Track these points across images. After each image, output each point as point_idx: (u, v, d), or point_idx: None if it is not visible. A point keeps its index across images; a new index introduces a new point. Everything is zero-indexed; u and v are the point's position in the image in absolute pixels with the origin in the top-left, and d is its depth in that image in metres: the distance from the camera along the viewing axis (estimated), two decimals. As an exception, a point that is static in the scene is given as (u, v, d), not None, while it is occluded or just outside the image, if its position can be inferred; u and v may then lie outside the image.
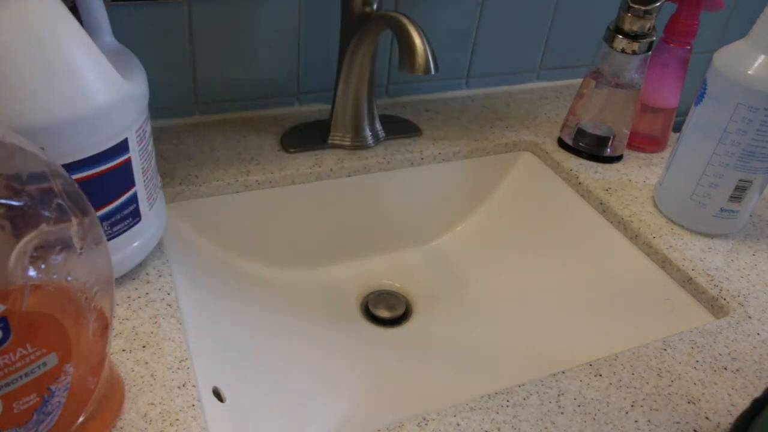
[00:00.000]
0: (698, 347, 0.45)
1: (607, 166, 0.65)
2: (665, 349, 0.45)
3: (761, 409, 0.33)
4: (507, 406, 0.39)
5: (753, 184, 0.53)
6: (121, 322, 0.42)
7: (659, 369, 0.43)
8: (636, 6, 0.58)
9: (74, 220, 0.28)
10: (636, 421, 0.39)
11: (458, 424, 0.37)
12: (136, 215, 0.43)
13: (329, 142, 0.63)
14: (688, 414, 0.40)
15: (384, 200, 0.65)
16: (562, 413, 0.39)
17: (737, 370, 0.43)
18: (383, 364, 0.57)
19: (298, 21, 0.64)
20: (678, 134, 0.59)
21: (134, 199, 0.43)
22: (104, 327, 0.32)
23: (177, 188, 0.55)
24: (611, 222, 0.59)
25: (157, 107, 0.62)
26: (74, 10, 0.40)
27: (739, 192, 0.54)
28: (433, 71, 0.50)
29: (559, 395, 0.40)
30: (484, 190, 0.69)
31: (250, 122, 0.66)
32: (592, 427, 0.38)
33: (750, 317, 0.48)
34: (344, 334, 0.59)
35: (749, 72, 0.49)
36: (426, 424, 0.37)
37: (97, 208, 0.40)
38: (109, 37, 0.44)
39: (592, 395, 0.40)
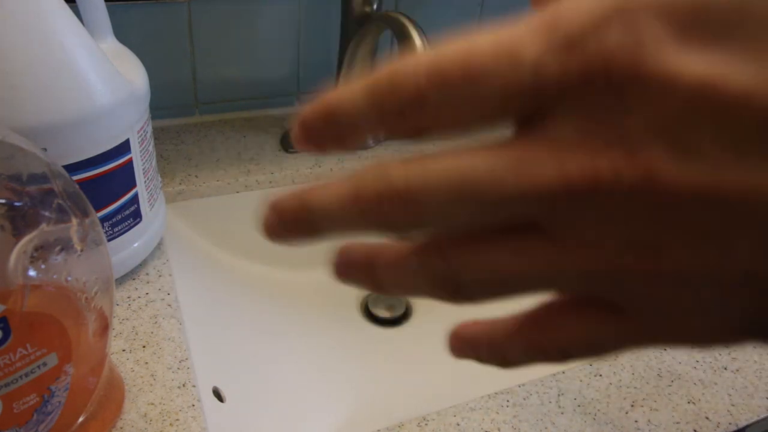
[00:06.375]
0: (698, 347, 0.45)
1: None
2: (665, 349, 0.45)
3: None
4: (507, 406, 0.39)
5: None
6: (121, 322, 0.42)
7: (659, 369, 0.43)
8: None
9: (74, 221, 0.28)
10: (636, 421, 0.39)
11: (458, 424, 0.37)
12: (137, 216, 0.43)
13: (329, 142, 0.63)
14: (688, 414, 0.40)
15: (384, 200, 0.65)
16: (562, 413, 0.39)
17: (737, 370, 0.43)
18: (383, 364, 0.57)
19: (298, 21, 0.64)
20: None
21: (135, 199, 0.43)
22: (104, 327, 0.32)
23: (177, 188, 0.55)
24: (611, 222, 0.59)
25: (157, 107, 0.62)
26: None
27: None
28: (433, 71, 0.50)
29: (559, 395, 0.40)
30: (484, 190, 0.69)
31: (250, 122, 0.66)
32: (592, 427, 0.38)
33: (750, 317, 0.48)
34: (344, 334, 0.59)
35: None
36: (426, 424, 0.37)
37: (99, 208, 0.40)
38: (110, 38, 0.44)
39: (592, 395, 0.40)
